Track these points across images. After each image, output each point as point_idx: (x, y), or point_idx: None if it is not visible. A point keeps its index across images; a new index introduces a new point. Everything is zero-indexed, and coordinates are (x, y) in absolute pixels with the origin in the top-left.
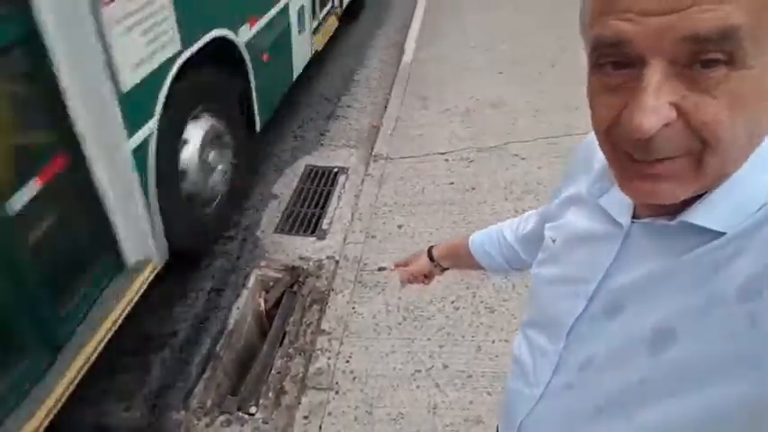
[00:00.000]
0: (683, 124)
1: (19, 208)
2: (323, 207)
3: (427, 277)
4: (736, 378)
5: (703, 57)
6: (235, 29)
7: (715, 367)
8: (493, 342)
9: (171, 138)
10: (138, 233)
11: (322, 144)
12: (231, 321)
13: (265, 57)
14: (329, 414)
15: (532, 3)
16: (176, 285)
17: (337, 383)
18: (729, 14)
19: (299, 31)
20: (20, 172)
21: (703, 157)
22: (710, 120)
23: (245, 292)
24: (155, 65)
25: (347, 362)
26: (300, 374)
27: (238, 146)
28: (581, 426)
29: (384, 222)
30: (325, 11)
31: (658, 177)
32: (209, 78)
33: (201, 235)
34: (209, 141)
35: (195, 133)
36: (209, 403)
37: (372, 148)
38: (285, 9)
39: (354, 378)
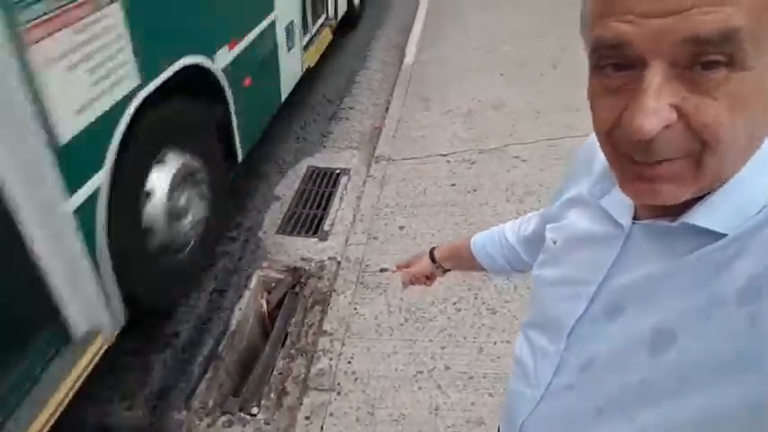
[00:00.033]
0: (684, 126)
1: None
2: (325, 208)
3: (429, 279)
4: (736, 379)
5: (704, 58)
6: (210, 54)
7: (715, 368)
8: (495, 343)
9: (129, 188)
10: (85, 302)
11: (324, 145)
12: (233, 322)
13: (248, 81)
14: (331, 415)
15: (533, 4)
16: None
17: (339, 384)
18: (730, 16)
19: (289, 49)
20: None
21: (703, 159)
22: (711, 121)
23: (247, 293)
24: (105, 107)
25: (349, 363)
26: (302, 375)
27: (216, 180)
28: (582, 426)
29: (386, 223)
30: (318, 24)
31: (658, 179)
32: (180, 111)
33: (173, 287)
34: (180, 183)
35: (161, 178)
36: (210, 404)
37: (374, 150)
38: (272, 26)
39: (356, 379)
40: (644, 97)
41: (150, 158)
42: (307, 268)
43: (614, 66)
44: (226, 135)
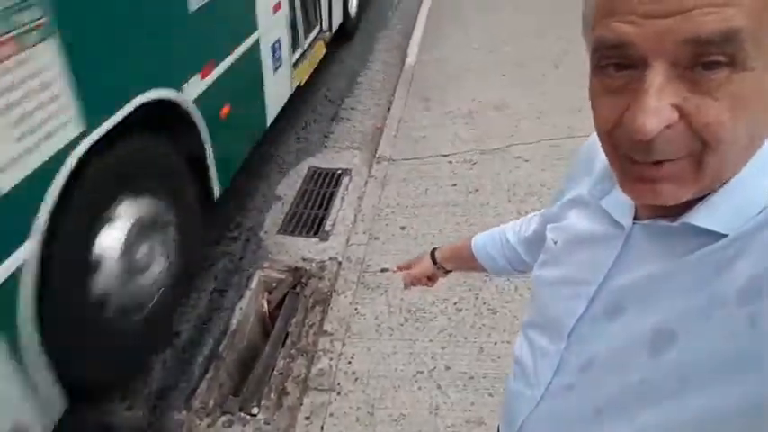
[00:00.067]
0: (685, 126)
1: None
2: (326, 208)
3: (430, 279)
4: (736, 379)
5: (705, 59)
6: (177, 86)
7: (715, 368)
8: (495, 343)
9: (69, 256)
10: (3, 395)
11: (326, 146)
12: (234, 322)
13: (226, 109)
14: (331, 415)
15: (535, 4)
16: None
17: (339, 384)
18: (732, 17)
19: (275, 69)
20: None
21: (703, 159)
22: (712, 121)
23: (247, 293)
24: (33, 165)
25: (349, 363)
26: (302, 375)
27: (186, 221)
28: (582, 426)
29: (387, 224)
30: (310, 38)
31: (659, 179)
32: (139, 150)
33: (132, 353)
34: (139, 234)
35: (114, 235)
36: (211, 403)
37: (376, 150)
38: (255, 47)
39: (356, 379)
40: (645, 97)
41: (99, 214)
42: (308, 268)
43: (616, 66)
44: (200, 168)
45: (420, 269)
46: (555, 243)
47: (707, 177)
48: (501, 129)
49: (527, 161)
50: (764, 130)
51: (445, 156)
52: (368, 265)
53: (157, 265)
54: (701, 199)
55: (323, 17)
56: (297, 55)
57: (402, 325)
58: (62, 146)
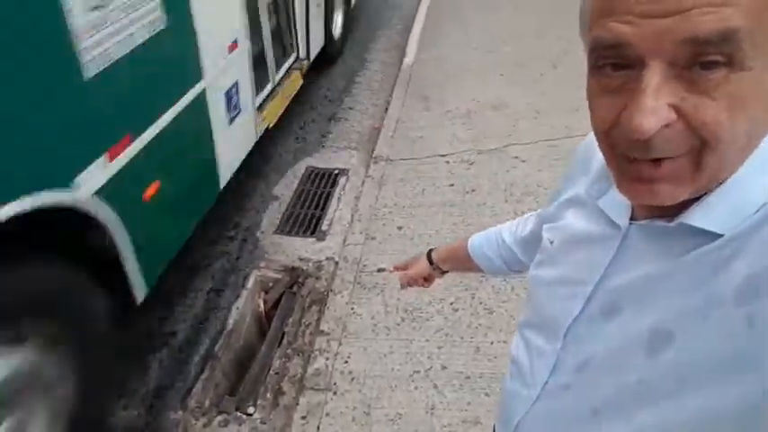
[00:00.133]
0: (684, 125)
1: None
2: (323, 208)
3: (427, 280)
4: (734, 379)
5: (703, 59)
6: (66, 182)
7: (713, 368)
8: (491, 343)
9: None
10: None
11: (323, 146)
12: (230, 322)
13: (151, 190)
14: (327, 415)
15: (534, 4)
16: (176, 285)
17: (335, 384)
18: (730, 17)
19: (231, 120)
20: None
21: (702, 158)
22: (710, 120)
23: (244, 293)
24: None
25: (345, 362)
26: (299, 375)
27: (93, 345)
28: (578, 427)
29: (384, 224)
30: (283, 69)
31: (657, 179)
32: (13, 273)
33: None
34: (17, 391)
35: None
36: (207, 403)
37: (373, 150)
38: (198, 100)
39: (352, 379)
40: (642, 97)
41: None
42: (304, 268)
43: (613, 65)
44: (116, 268)
45: (416, 270)
46: (551, 243)
47: (705, 177)
48: (499, 129)
49: (524, 161)
50: (762, 129)
51: (443, 156)
52: (364, 265)
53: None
54: (697, 199)
55: (299, 44)
56: (265, 93)
57: (398, 325)
58: None
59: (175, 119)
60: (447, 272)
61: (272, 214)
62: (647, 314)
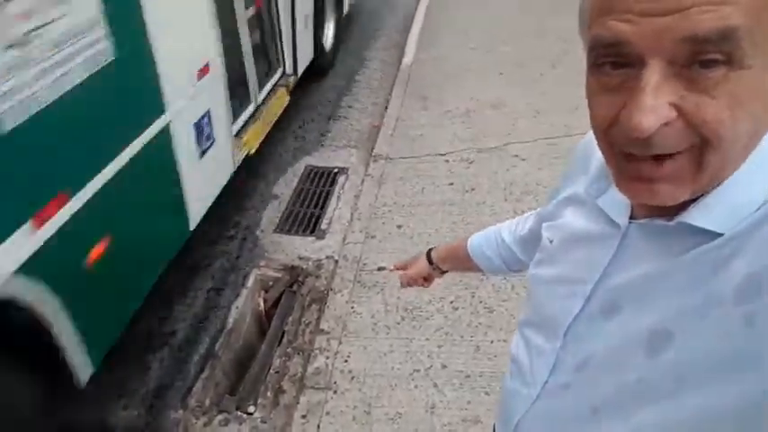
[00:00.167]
0: (684, 123)
1: None
2: (322, 207)
3: (427, 280)
4: (734, 378)
5: (702, 57)
6: None
7: (713, 367)
8: (491, 342)
9: None
10: None
11: (323, 144)
12: (230, 321)
13: (99, 249)
14: (327, 414)
15: (533, 4)
16: (176, 285)
17: (335, 383)
18: (729, 15)
19: (203, 152)
20: None
21: (704, 157)
22: (711, 119)
23: (244, 292)
24: None
25: (345, 361)
26: (299, 374)
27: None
28: (578, 425)
29: (383, 222)
30: (267, 88)
31: (658, 179)
32: None
33: None
34: None
35: None
36: (207, 402)
37: (372, 149)
38: (160, 136)
39: (353, 378)
40: (642, 95)
41: None
42: (304, 267)
43: (612, 64)
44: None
45: (416, 270)
46: (551, 242)
47: (706, 177)
48: (498, 127)
49: (524, 160)
50: (762, 128)
51: (442, 154)
52: (364, 264)
53: None
54: (697, 198)
55: (284, 59)
56: (245, 117)
57: (398, 323)
58: None
59: (131, 161)
60: (447, 271)
61: (272, 213)
62: (647, 313)
